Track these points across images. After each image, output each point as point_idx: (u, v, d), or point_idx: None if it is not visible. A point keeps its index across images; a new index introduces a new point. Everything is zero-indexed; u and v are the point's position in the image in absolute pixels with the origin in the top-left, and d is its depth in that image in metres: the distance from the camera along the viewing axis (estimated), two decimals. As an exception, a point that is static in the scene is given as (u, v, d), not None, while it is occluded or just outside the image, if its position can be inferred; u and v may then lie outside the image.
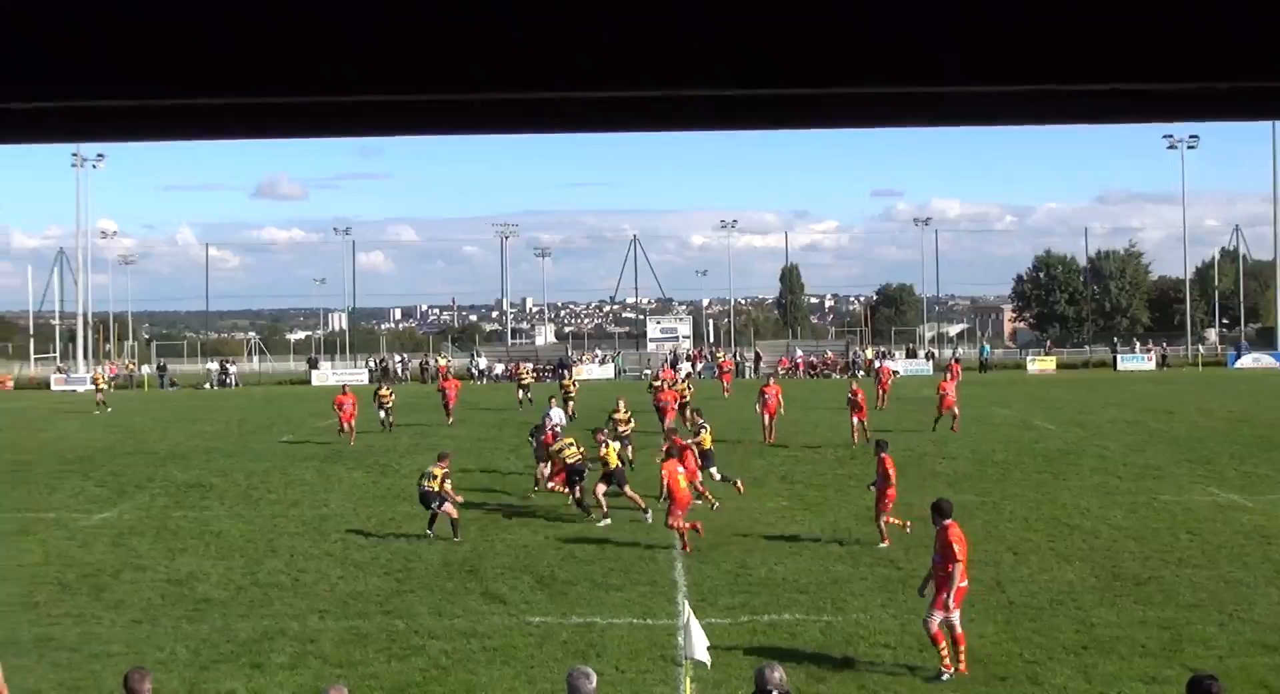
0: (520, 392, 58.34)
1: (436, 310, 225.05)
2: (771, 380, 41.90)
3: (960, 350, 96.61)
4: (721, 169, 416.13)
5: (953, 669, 14.67)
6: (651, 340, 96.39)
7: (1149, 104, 1.41)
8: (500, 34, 1.26)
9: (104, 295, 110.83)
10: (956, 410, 41.67)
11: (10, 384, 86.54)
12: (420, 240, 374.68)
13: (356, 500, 28.36)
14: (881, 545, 21.88)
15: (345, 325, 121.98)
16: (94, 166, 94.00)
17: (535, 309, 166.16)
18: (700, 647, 12.27)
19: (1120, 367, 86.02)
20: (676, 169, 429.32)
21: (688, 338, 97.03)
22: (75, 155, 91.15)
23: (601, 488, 25.16)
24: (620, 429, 32.30)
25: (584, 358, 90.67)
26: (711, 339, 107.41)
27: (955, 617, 14.99)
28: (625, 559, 21.27)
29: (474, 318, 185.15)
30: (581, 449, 26.26)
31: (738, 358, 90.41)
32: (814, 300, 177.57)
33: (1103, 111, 1.45)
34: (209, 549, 22.71)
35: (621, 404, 33.72)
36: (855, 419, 38.09)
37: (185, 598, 19.15)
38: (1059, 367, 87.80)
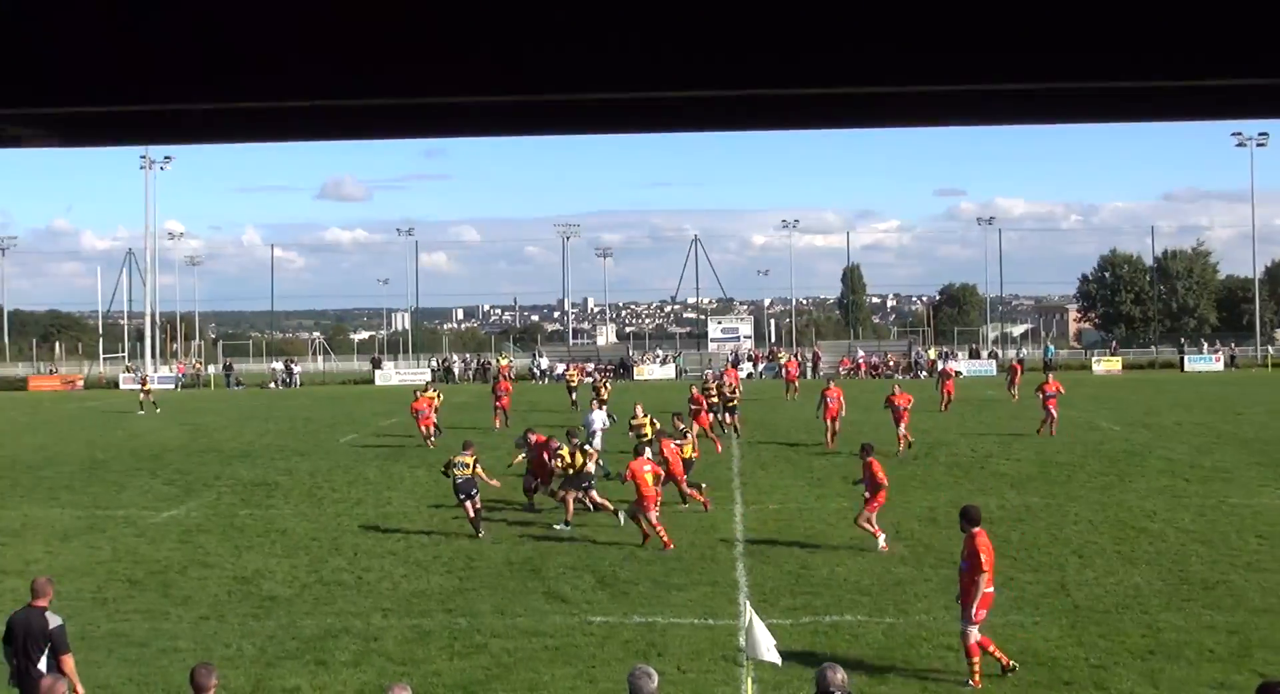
0: (571, 394, 57.62)
1: (498, 310, 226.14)
2: (832, 383, 41.23)
3: (1024, 351, 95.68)
4: (783, 169, 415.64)
5: (979, 685, 14.51)
6: (713, 340, 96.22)
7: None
8: (554, 35, 1.27)
9: (171, 295, 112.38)
10: (1054, 413, 40.68)
11: (80, 383, 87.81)
12: (483, 241, 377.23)
13: (419, 499, 28.52)
14: (881, 547, 21.61)
15: (408, 325, 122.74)
16: (162, 168, 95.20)
17: (596, 309, 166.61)
18: (767, 647, 12.23)
19: (1187, 367, 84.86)
20: (738, 169, 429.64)
21: (749, 338, 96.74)
22: (143, 158, 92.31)
23: (572, 493, 24.84)
24: (642, 434, 30.80)
25: (645, 358, 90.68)
26: (773, 339, 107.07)
27: (974, 630, 14.84)
28: (687, 559, 21.26)
29: (535, 318, 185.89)
30: (571, 457, 25.44)
31: (799, 358, 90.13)
32: (876, 300, 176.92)
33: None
34: (274, 547, 22.94)
35: (639, 409, 33.00)
36: (901, 426, 36.46)
37: (251, 595, 19.35)
38: (1125, 367, 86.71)
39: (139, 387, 65.11)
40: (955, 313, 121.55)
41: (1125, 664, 15.09)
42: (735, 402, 42.61)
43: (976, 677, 14.50)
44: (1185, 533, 23.03)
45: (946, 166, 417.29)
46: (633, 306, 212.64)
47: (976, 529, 15.09)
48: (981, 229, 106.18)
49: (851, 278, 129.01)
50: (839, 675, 10.00)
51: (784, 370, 69.09)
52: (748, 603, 14.38)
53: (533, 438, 26.94)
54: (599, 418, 34.54)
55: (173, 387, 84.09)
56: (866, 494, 22.07)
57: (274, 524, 25.37)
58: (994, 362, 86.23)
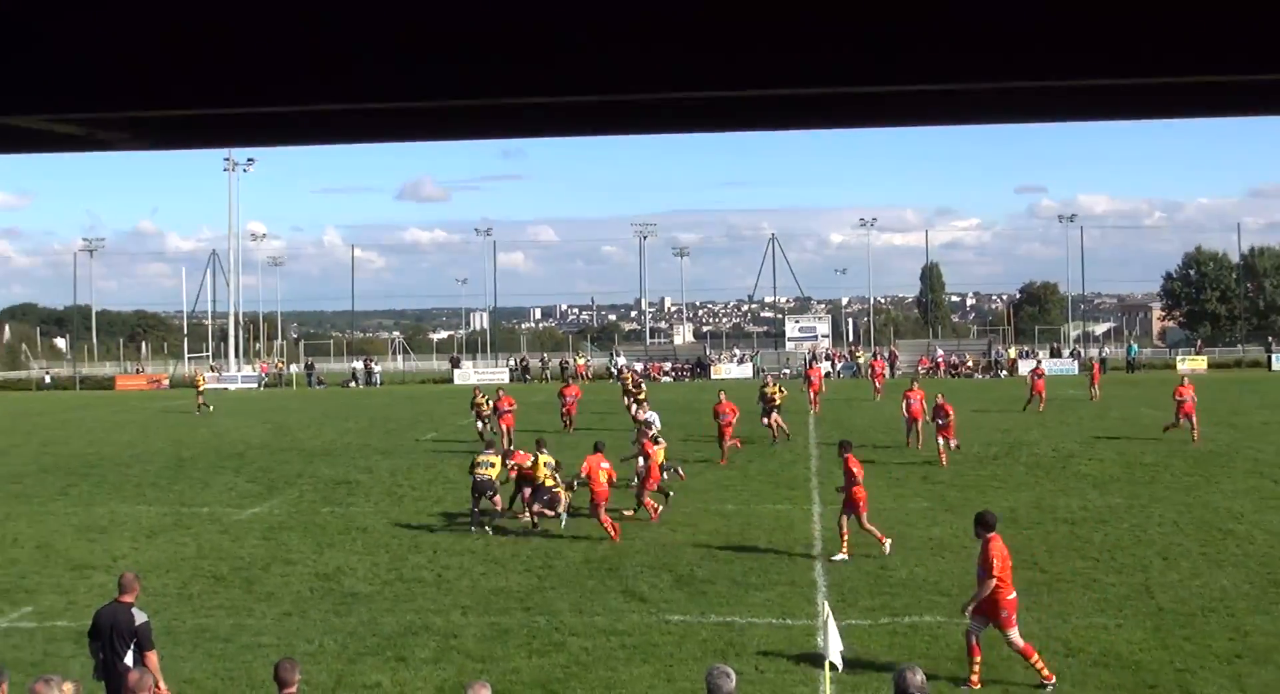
0: (626, 397, 56.59)
1: (576, 310, 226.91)
2: (915, 383, 40.08)
3: (1107, 350, 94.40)
4: (861, 167, 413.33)
5: (1053, 680, 14.37)
6: (790, 339, 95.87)
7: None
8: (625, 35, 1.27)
9: (254, 296, 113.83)
10: (1194, 420, 37.57)
11: (166, 382, 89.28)
12: (560, 240, 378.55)
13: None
14: (885, 547, 21.17)
15: (487, 325, 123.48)
16: (244, 170, 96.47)
17: (674, 308, 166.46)
18: (834, 649, 12.19)
19: (1275, 366, 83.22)
20: (816, 168, 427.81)
21: (827, 337, 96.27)
22: (227, 160, 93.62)
23: (536, 506, 24.29)
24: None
25: (722, 357, 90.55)
26: (851, 338, 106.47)
27: (1014, 634, 14.70)
28: (764, 559, 21.21)
29: (613, 317, 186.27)
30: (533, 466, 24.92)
31: (884, 358, 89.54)
32: (955, 299, 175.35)
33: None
34: (355, 544, 23.18)
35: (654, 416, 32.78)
36: (940, 438, 33.54)
37: (333, 592, 19.57)
38: (1210, 366, 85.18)
39: (194, 387, 65.13)
40: (1036, 311, 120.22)
41: (1211, 668, 14.84)
42: (776, 403, 41.14)
43: (1045, 671, 14.35)
44: (1273, 535, 22.61)
45: (1027, 164, 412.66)
46: (710, 306, 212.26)
47: (991, 534, 15.02)
48: (1063, 226, 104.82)
49: (930, 276, 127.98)
50: (918, 677, 9.93)
51: (870, 370, 67.48)
52: (825, 603, 14.33)
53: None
54: (654, 419, 33.78)
55: (255, 386, 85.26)
56: (849, 493, 21.32)
57: (355, 522, 25.64)
58: (1075, 361, 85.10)
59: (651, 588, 19.28)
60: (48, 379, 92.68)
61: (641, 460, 25.66)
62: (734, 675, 10.21)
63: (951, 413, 34.10)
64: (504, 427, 39.71)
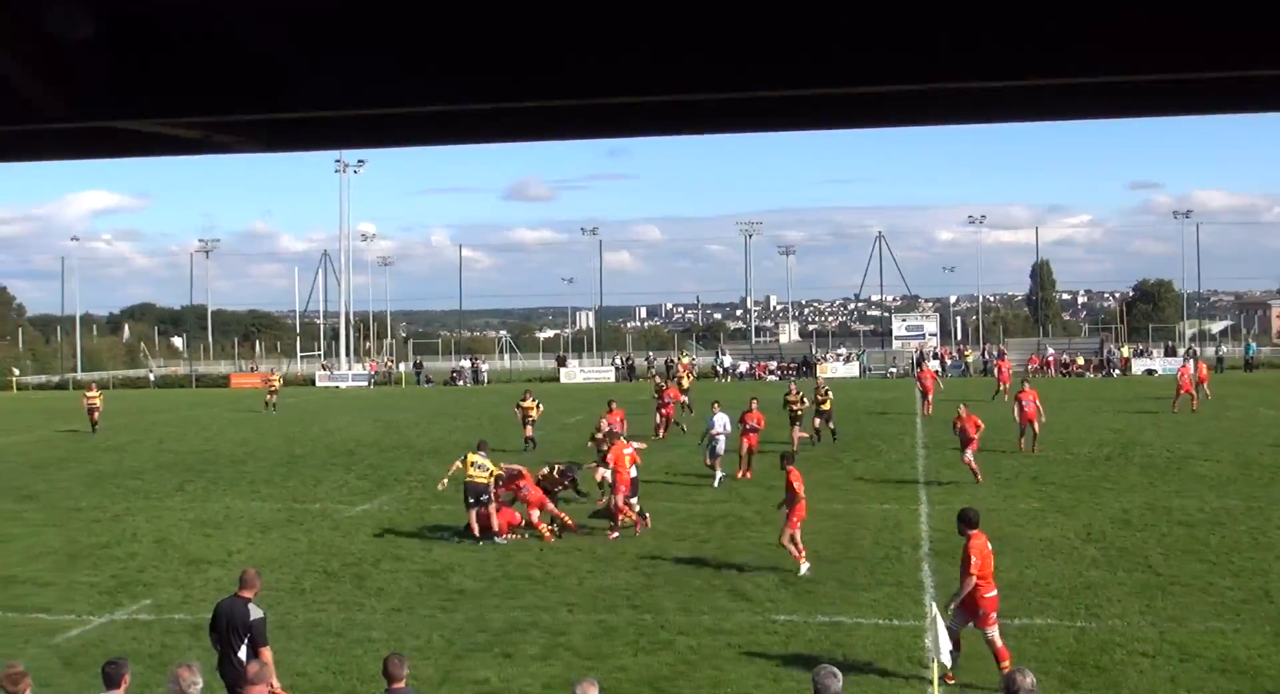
0: (683, 396, 52.91)
1: (681, 308, 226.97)
2: (1028, 384, 38.36)
3: (1224, 348, 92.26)
4: (970, 164, 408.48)
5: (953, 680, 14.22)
6: (897, 338, 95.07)
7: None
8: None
9: (364, 295, 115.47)
10: None
11: (278, 381, 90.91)
12: (666, 239, 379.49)
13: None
14: (803, 569, 19.82)
15: (592, 323, 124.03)
16: (355, 172, 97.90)
17: (779, 307, 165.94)
18: (944, 649, 12.07)
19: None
20: (923, 165, 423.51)
21: (934, 336, 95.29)
22: (338, 161, 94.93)
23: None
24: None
25: (828, 356, 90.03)
26: (959, 337, 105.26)
27: (993, 632, 14.50)
28: (871, 559, 21.05)
29: (718, 316, 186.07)
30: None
31: (985, 356, 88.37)
32: (1066, 297, 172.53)
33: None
34: (462, 541, 23.38)
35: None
36: (969, 452, 30.09)
37: (441, 588, 19.77)
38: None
39: (265, 386, 65.60)
40: (1150, 309, 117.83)
41: (1334, 675, 14.44)
42: (798, 413, 38.83)
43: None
44: (1400, 539, 21.93)
45: (1141, 159, 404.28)
46: (815, 304, 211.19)
47: (973, 532, 14.91)
48: (1178, 222, 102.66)
49: (1041, 273, 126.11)
50: (1028, 680, 9.78)
51: (996, 369, 65.28)
52: (934, 604, 14.19)
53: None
54: (720, 420, 32.07)
55: (365, 384, 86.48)
56: (785, 509, 20.34)
57: (462, 519, 25.85)
58: (1190, 360, 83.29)
59: (757, 587, 19.23)
60: (151, 376, 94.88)
61: (608, 473, 24.66)
62: (841, 676, 10.15)
63: (974, 430, 30.37)
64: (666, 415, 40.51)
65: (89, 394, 51.76)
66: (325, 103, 1.36)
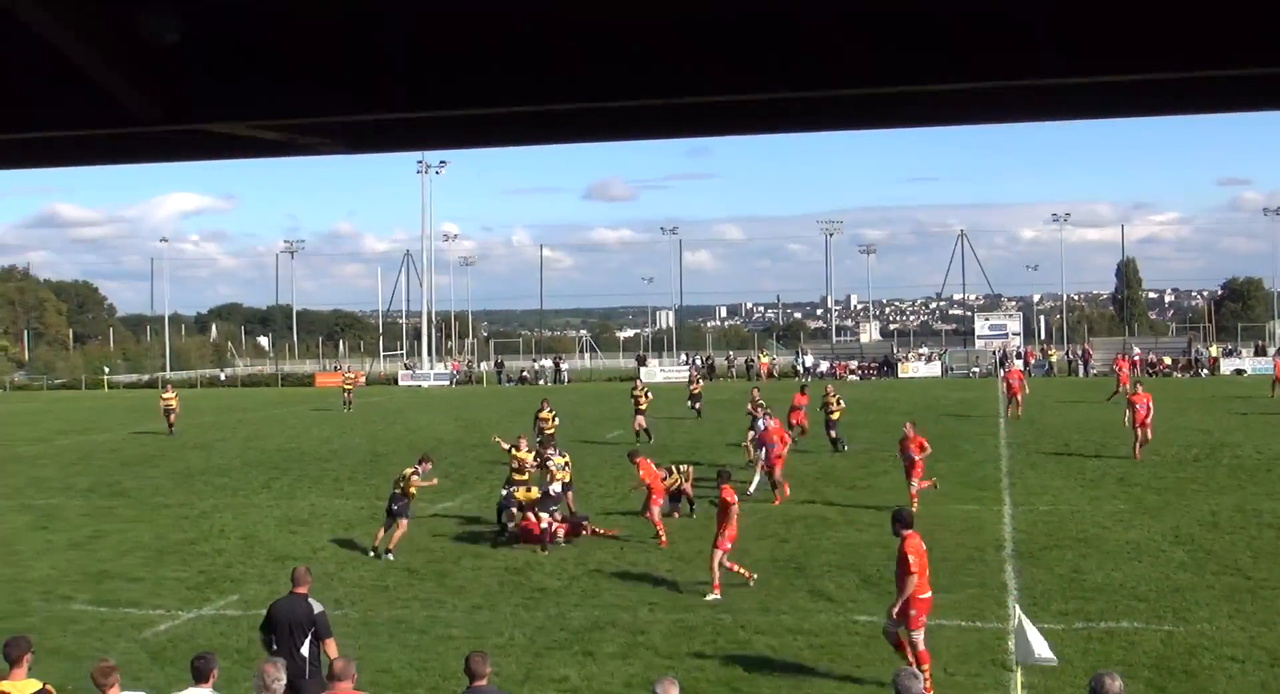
0: (693, 403, 51.58)
1: (761, 308, 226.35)
2: (1140, 387, 36.30)
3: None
4: (1053, 162, 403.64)
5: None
6: (979, 337, 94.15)
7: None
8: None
9: (446, 295, 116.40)
10: None
11: (362, 380, 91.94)
12: (746, 238, 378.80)
13: (683, 495, 28.76)
14: (712, 596, 18.65)
15: (672, 323, 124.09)
16: (437, 173, 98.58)
17: (860, 306, 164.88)
18: (1040, 649, 11.91)
19: None
20: (1005, 163, 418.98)
21: (1018, 335, 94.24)
22: (420, 162, 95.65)
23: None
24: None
25: (909, 356, 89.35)
26: (1042, 336, 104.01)
27: (918, 635, 14.32)
28: (953, 560, 20.86)
29: (798, 315, 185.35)
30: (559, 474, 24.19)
31: (1069, 356, 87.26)
32: (1152, 295, 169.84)
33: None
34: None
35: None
36: (914, 480, 26.63)
37: (522, 586, 19.87)
38: None
39: (343, 384, 65.09)
40: (1239, 308, 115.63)
41: None
42: (835, 416, 37.38)
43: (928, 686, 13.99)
44: None
45: (1230, 155, 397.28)
46: (896, 303, 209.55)
47: (908, 532, 14.72)
48: (1269, 219, 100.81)
49: (1126, 272, 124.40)
50: (1117, 684, 9.59)
51: (1115, 369, 62.78)
52: (1017, 606, 14.03)
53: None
54: (766, 424, 30.59)
55: (447, 383, 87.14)
56: (720, 526, 19.27)
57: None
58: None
59: (838, 588, 19.14)
60: (222, 376, 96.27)
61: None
62: (922, 677, 10.07)
63: (918, 451, 26.94)
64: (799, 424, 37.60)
65: (165, 395, 51.00)
66: (407, 105, 1.39)
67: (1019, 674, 12.68)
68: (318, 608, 12.91)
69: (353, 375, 70.14)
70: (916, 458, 26.63)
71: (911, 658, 14.21)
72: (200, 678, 10.88)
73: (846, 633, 16.61)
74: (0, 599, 19.78)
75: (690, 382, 55.83)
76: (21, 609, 19.10)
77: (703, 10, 1.30)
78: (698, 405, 50.84)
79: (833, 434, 37.43)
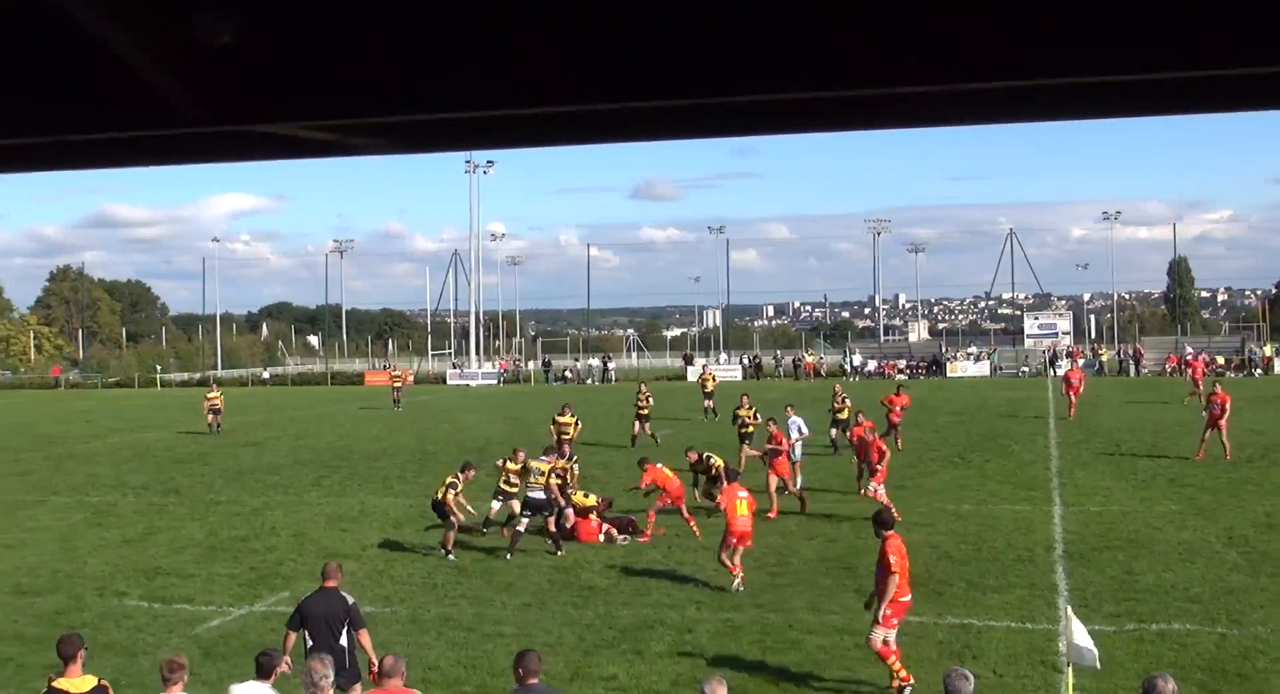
0: (707, 400, 51.52)
1: (808, 307, 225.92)
2: (1219, 387, 35.32)
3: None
4: (1104, 160, 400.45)
5: (910, 681, 14.05)
6: (1029, 337, 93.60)
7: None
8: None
9: (494, 294, 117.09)
10: None
11: (411, 379, 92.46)
12: (793, 237, 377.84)
13: (731, 495, 28.72)
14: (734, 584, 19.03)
15: (719, 322, 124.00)
16: (485, 173, 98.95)
17: (908, 305, 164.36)
18: (1088, 651, 11.82)
19: None
20: (1055, 161, 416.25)
21: (1068, 334, 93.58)
22: (468, 162, 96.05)
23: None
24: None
25: (958, 355, 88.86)
26: (1092, 335, 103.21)
27: (890, 633, 14.33)
28: (1003, 561, 20.74)
29: (846, 314, 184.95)
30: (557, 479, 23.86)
31: (1120, 356, 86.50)
32: (1204, 294, 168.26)
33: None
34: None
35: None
36: (875, 483, 25.47)
37: (570, 584, 19.92)
38: None
39: (392, 382, 65.41)
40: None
41: None
42: (844, 414, 35.28)
43: (903, 673, 14.10)
44: None
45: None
46: (945, 302, 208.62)
47: (889, 533, 14.76)
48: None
49: (1178, 270, 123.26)
50: (1170, 685, 9.49)
51: (1190, 370, 60.12)
52: (1068, 607, 13.92)
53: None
54: (796, 423, 29.62)
55: (495, 382, 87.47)
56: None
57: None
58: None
59: (886, 588, 19.04)
60: (265, 375, 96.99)
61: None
62: (973, 679, 10.01)
63: (878, 458, 25.70)
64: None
65: (210, 395, 50.27)
66: (458, 104, 1.39)
67: (1070, 676, 12.58)
68: (350, 600, 13.15)
69: (401, 374, 70.47)
70: (878, 466, 25.45)
71: (895, 663, 14.23)
72: (263, 674, 11.01)
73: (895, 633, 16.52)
74: (57, 595, 20.04)
75: (701, 382, 54.21)
76: (77, 605, 19.34)
77: (750, 8, 1.30)
78: (709, 404, 50.30)
79: (833, 434, 36.13)
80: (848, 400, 36.31)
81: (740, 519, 19.58)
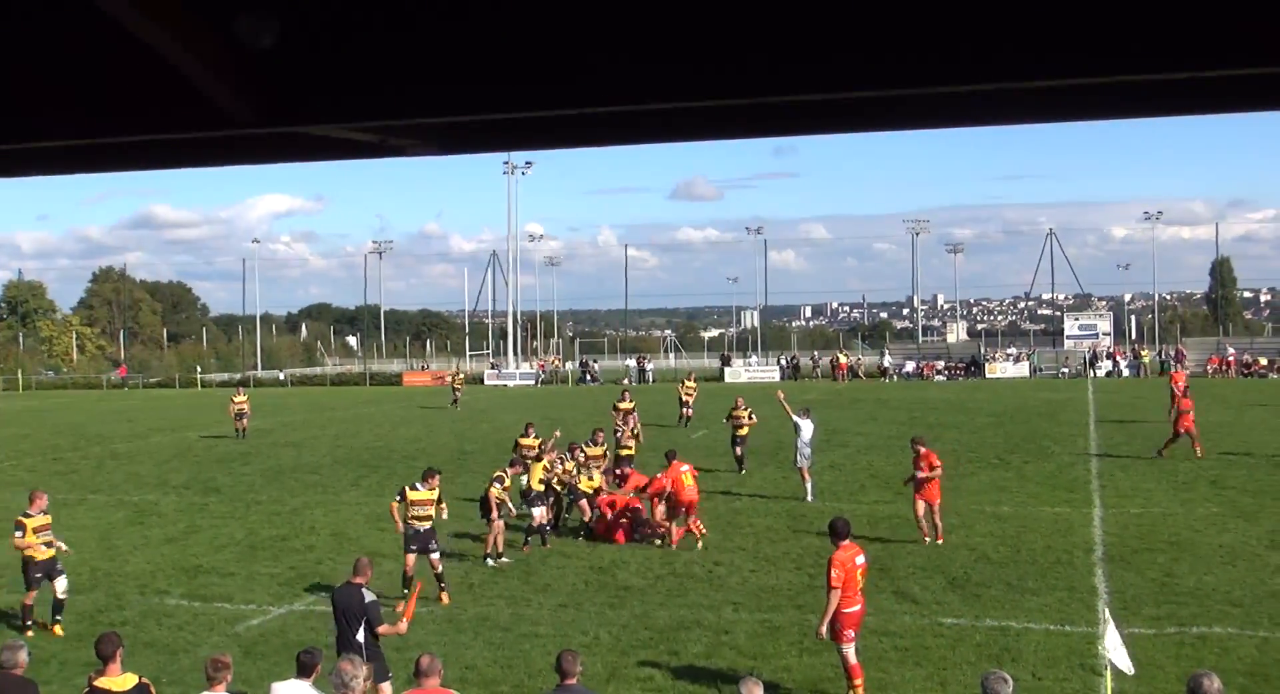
0: (683, 408, 49.58)
1: (847, 308, 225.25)
2: (1180, 380, 34.75)
3: None
4: (1145, 159, 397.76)
5: None
6: (1069, 337, 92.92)
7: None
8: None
9: (532, 295, 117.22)
10: None
11: (449, 379, 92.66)
12: (832, 238, 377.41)
13: (769, 495, 28.71)
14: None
15: (757, 323, 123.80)
16: (523, 174, 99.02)
17: (946, 306, 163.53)
18: (1120, 655, 11.75)
19: None
20: (1096, 161, 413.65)
21: (1108, 335, 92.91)
22: (506, 163, 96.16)
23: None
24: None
25: (997, 356, 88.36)
26: (1133, 336, 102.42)
27: (848, 650, 14.13)
28: (1041, 563, 20.63)
29: (884, 315, 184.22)
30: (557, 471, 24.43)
31: (1163, 356, 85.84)
32: (1248, 294, 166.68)
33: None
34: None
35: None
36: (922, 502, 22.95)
37: (607, 585, 19.93)
38: None
39: (451, 383, 66.38)
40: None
41: None
42: (744, 430, 33.60)
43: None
44: None
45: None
46: (984, 303, 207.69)
47: (842, 543, 14.58)
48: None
49: (1221, 271, 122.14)
50: (1215, 684, 9.38)
51: (1173, 384, 54.27)
52: (1106, 610, 13.84)
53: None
54: (808, 427, 28.73)
55: (533, 383, 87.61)
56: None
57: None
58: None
59: (924, 590, 18.99)
60: (281, 376, 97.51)
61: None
62: (1011, 682, 9.95)
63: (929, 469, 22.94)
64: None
65: (237, 399, 48.66)
66: (498, 106, 1.41)
67: (1109, 679, 12.50)
68: (369, 597, 13.40)
69: (458, 374, 71.07)
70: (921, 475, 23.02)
71: (859, 684, 14.08)
72: (304, 672, 11.08)
73: (932, 635, 16.48)
74: (98, 593, 20.22)
75: (680, 390, 51.28)
76: (118, 603, 19.51)
77: (789, 8, 1.31)
78: (688, 413, 48.34)
79: (738, 452, 33.60)
80: (753, 417, 34.26)
81: (687, 489, 22.55)
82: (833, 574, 14.29)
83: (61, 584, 18.10)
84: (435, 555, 19.37)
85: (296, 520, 26.82)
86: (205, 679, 10.79)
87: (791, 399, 31.95)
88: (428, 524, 19.65)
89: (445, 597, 18.82)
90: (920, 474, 22.70)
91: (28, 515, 18.26)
